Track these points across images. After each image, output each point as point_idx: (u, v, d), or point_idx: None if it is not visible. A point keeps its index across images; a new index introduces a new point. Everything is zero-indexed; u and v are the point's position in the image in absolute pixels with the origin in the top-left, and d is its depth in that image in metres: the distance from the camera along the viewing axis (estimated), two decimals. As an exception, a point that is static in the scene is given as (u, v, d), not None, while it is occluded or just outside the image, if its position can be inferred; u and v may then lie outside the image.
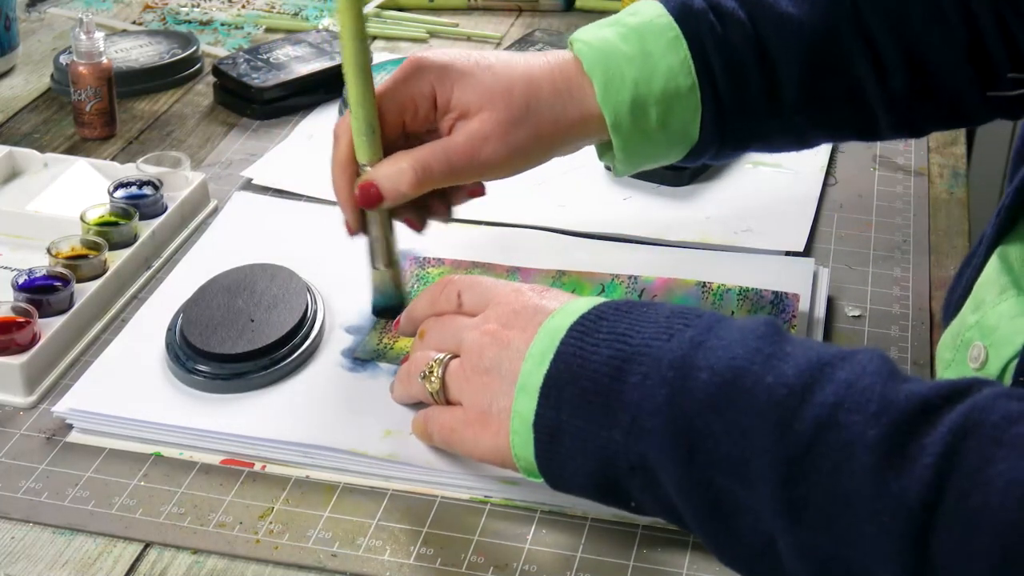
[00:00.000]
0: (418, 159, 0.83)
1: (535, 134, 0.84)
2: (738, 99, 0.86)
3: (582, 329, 0.71)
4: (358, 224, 0.86)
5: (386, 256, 0.87)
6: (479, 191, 0.90)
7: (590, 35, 0.86)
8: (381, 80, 0.85)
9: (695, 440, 0.64)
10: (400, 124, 0.85)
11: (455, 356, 0.77)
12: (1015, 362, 0.74)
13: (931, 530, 0.58)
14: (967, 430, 0.59)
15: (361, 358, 0.87)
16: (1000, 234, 0.81)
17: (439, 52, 0.85)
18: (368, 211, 0.85)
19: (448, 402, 0.77)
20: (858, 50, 0.87)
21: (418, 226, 0.88)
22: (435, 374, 0.77)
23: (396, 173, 0.83)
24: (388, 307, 0.88)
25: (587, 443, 0.68)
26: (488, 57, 0.85)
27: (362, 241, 0.87)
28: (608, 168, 0.93)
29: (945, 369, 0.83)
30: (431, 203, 0.88)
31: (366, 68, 0.82)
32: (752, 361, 0.65)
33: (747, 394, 0.64)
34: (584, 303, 0.73)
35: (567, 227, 1.03)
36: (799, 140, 0.92)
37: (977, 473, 0.58)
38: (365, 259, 0.87)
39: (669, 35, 0.85)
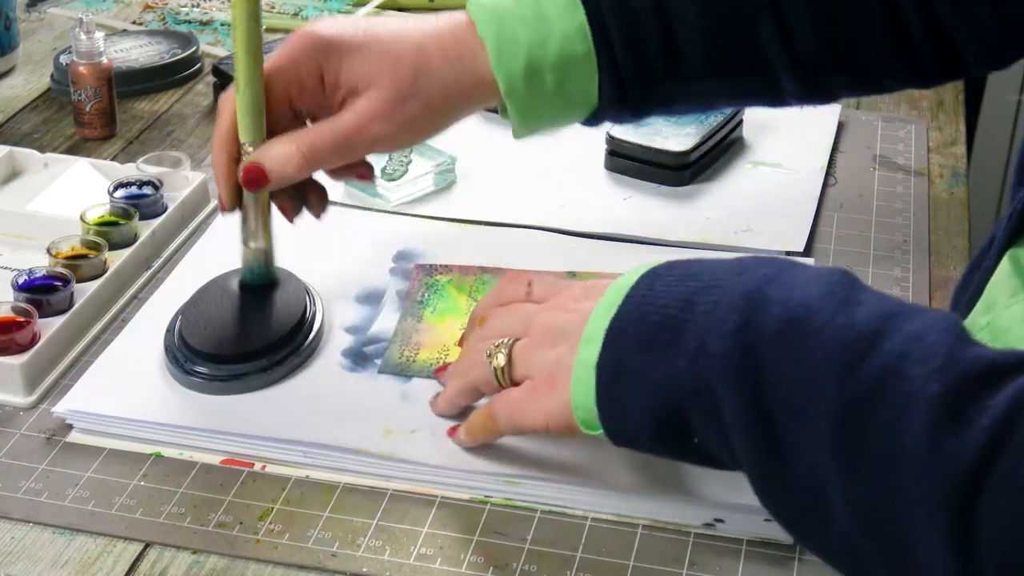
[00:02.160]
0: (305, 141, 0.82)
1: (425, 105, 0.83)
2: (638, 65, 0.85)
3: (652, 276, 0.70)
4: (233, 201, 0.84)
5: (262, 235, 0.86)
6: (367, 175, 0.89)
7: None
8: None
9: (760, 372, 0.64)
10: (287, 101, 0.84)
11: (517, 339, 0.76)
12: None
13: (979, 494, 0.57)
14: None
15: (386, 373, 0.85)
16: (1011, 238, 0.81)
17: (327, 24, 0.83)
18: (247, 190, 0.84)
19: (513, 383, 0.76)
20: (764, 15, 0.85)
21: (291, 215, 0.87)
22: (501, 352, 0.76)
23: (283, 156, 0.82)
24: (257, 284, 0.87)
25: (651, 375, 0.67)
26: (377, 27, 0.84)
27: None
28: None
29: None
30: (308, 195, 0.87)
31: (257, 49, 0.81)
32: (825, 302, 0.64)
33: (816, 333, 0.63)
34: (652, 263, 0.72)
35: (567, 227, 1.03)
36: (703, 105, 0.91)
37: None
38: (238, 235, 0.86)
39: None
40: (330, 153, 0.82)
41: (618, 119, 0.89)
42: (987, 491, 0.57)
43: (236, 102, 0.82)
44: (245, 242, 0.86)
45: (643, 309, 0.69)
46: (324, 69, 0.83)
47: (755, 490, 0.67)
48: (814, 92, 0.90)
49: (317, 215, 0.88)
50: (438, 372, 0.84)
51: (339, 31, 0.83)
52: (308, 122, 0.86)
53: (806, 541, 0.67)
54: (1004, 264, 0.81)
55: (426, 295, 0.92)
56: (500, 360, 0.76)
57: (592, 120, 0.88)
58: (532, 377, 0.75)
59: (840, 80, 0.89)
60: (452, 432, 0.80)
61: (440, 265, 0.96)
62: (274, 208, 0.87)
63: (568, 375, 0.71)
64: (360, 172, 0.88)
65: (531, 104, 0.84)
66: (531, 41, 0.83)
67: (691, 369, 0.66)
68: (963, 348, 0.61)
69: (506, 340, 0.76)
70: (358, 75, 0.82)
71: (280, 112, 0.83)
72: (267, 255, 0.87)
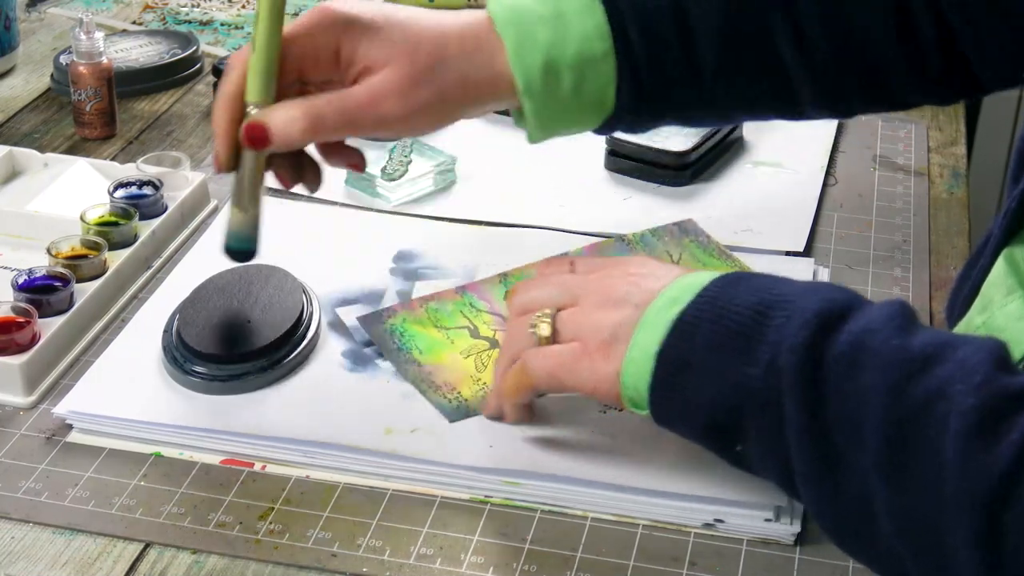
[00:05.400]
0: (313, 106, 0.81)
1: (438, 93, 0.82)
2: (655, 67, 0.85)
3: (723, 282, 0.72)
4: (231, 162, 0.83)
5: (253, 198, 0.84)
6: (359, 165, 0.87)
7: None
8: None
9: (821, 388, 0.66)
10: (297, 71, 0.83)
11: (561, 308, 0.77)
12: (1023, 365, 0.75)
13: (1007, 504, 0.59)
14: None
15: (458, 419, 0.83)
16: (1006, 237, 0.81)
17: (348, 3, 0.83)
18: (246, 151, 0.82)
19: None
20: (780, 21, 0.85)
21: (288, 183, 0.86)
22: (544, 321, 0.76)
23: (288, 118, 0.81)
24: (241, 251, 0.85)
25: (719, 376, 0.69)
26: (398, 12, 0.83)
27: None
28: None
29: None
30: (305, 169, 0.86)
31: (280, 10, 0.80)
32: (885, 326, 0.66)
33: (873, 353, 0.65)
34: (717, 272, 0.74)
35: (567, 227, 1.03)
36: (718, 114, 0.91)
37: None
38: (229, 197, 0.85)
39: None
40: (336, 122, 0.81)
41: (632, 125, 0.89)
42: (1013, 501, 0.59)
43: (249, 62, 0.81)
44: (235, 204, 0.84)
45: (717, 311, 0.70)
46: (342, 44, 0.82)
47: (805, 499, 0.68)
48: (830, 102, 0.90)
49: (311, 190, 0.87)
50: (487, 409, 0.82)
51: (360, 10, 0.83)
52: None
53: (852, 549, 0.69)
54: (1000, 263, 0.81)
55: (397, 341, 0.89)
56: (544, 330, 0.76)
57: (606, 126, 0.88)
58: (583, 340, 0.75)
59: (854, 88, 0.89)
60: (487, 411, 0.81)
61: (384, 308, 0.92)
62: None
63: (624, 348, 0.72)
64: (353, 160, 0.87)
65: (548, 104, 0.84)
66: (550, 40, 0.83)
67: (764, 380, 0.68)
68: (1001, 371, 0.63)
69: (548, 310, 0.77)
70: (376, 54, 0.82)
71: (289, 81, 0.83)
72: (254, 222, 0.85)
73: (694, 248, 0.98)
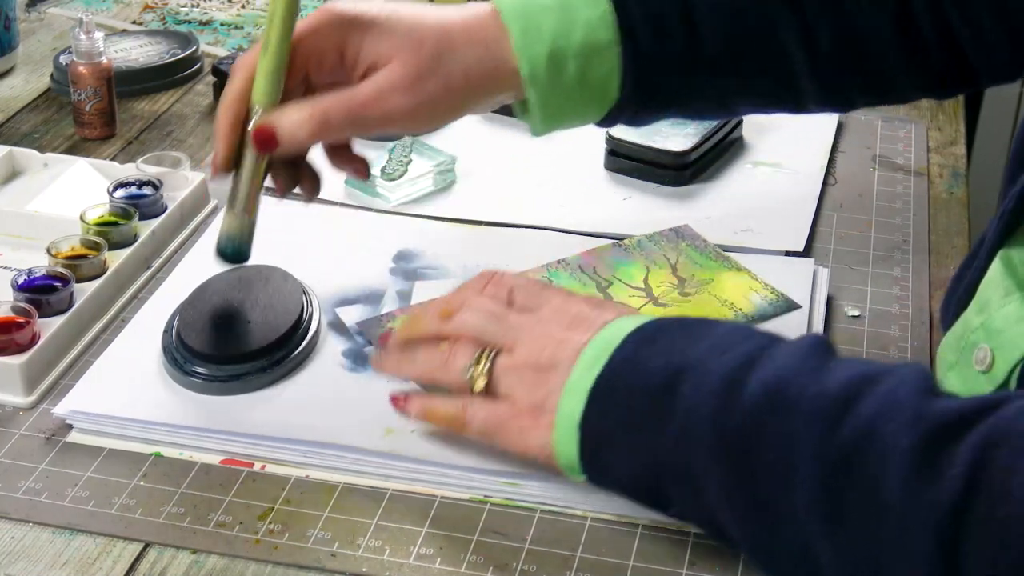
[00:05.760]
0: (320, 107, 0.81)
1: (445, 86, 0.82)
2: (659, 57, 0.85)
3: (638, 339, 0.71)
4: (228, 164, 0.83)
5: (250, 204, 0.84)
6: (364, 172, 0.87)
7: None
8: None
9: (741, 450, 0.66)
10: (303, 72, 0.83)
11: (498, 352, 0.76)
12: (1022, 366, 0.75)
13: (960, 539, 0.59)
14: (996, 442, 0.60)
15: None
16: (1002, 238, 0.81)
17: (351, 2, 0.83)
18: (248, 154, 0.82)
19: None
20: (785, 15, 0.86)
21: (282, 189, 0.86)
22: (482, 367, 0.76)
23: (296, 120, 0.81)
24: (233, 255, 0.85)
25: (635, 447, 0.70)
26: (401, 8, 0.83)
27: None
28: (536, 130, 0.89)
29: (948, 371, 0.83)
30: (303, 177, 0.86)
31: (294, 14, 0.80)
32: (799, 373, 0.66)
33: (792, 402, 0.65)
34: (642, 317, 0.73)
35: (567, 227, 1.03)
36: (721, 106, 0.91)
37: (1004, 484, 0.58)
38: (226, 200, 0.84)
39: None
40: (343, 121, 0.81)
41: (635, 117, 0.89)
42: (966, 535, 0.59)
43: (259, 62, 0.81)
44: (231, 209, 0.84)
45: (627, 376, 0.70)
46: (346, 44, 0.82)
47: (748, 556, 0.69)
48: (831, 95, 0.90)
49: (307, 199, 0.87)
50: (382, 339, 0.83)
51: (364, 8, 0.82)
52: None
53: None
54: (996, 264, 0.81)
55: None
56: (480, 382, 0.76)
57: (609, 118, 0.88)
58: (514, 400, 0.75)
59: (855, 83, 0.90)
60: (399, 402, 0.80)
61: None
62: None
63: (552, 420, 0.73)
64: (358, 167, 0.87)
65: (552, 93, 0.84)
66: (555, 29, 0.83)
67: (675, 451, 0.68)
68: (930, 401, 0.63)
69: (487, 354, 0.76)
70: (380, 52, 0.81)
71: (295, 82, 0.83)
72: (250, 227, 0.85)
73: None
